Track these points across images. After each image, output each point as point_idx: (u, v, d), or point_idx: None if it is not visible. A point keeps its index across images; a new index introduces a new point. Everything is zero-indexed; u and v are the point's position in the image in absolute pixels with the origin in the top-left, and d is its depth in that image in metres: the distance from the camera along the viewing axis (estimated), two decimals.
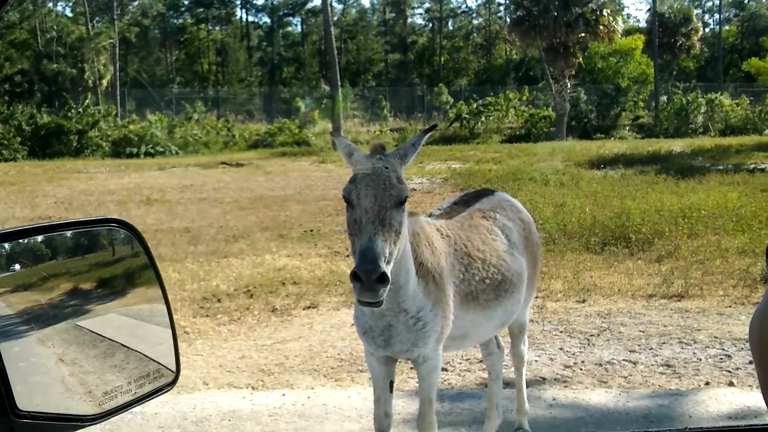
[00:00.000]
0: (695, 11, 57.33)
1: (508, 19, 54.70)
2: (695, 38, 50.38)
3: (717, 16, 69.92)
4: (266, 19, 69.78)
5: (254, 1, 70.10)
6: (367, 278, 3.10)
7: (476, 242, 4.25)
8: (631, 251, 10.84)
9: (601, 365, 6.47)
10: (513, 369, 5.15)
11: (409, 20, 70.51)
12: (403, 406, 5.58)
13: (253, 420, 5.55)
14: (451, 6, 71.53)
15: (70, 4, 58.36)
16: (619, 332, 7.36)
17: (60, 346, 1.86)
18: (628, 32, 49.28)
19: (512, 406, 5.22)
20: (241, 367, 6.76)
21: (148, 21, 61.50)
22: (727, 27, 68.21)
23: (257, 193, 18.74)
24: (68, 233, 1.93)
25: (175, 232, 13.70)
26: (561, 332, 7.44)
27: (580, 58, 41.23)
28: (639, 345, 6.96)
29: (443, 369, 6.46)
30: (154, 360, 1.98)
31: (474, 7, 72.99)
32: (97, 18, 55.83)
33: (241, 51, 63.81)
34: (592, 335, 7.31)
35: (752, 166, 21.62)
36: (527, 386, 5.89)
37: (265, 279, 9.86)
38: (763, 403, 0.73)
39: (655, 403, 5.57)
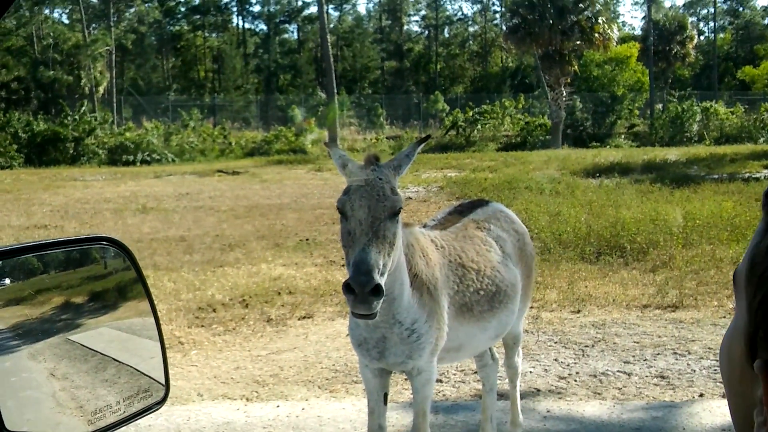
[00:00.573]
0: (690, 19, 57.58)
1: (503, 27, 54.77)
2: (690, 46, 50.61)
3: (712, 24, 70.28)
4: (263, 26, 70.05)
5: (251, 8, 70.22)
6: (361, 290, 3.09)
7: (471, 253, 4.24)
8: (626, 261, 10.84)
9: (595, 376, 6.47)
10: (507, 381, 5.14)
11: (405, 27, 70.77)
12: (397, 418, 5.57)
13: None
14: (447, 13, 71.86)
15: (67, 11, 58.49)
16: (614, 343, 7.35)
17: (51, 360, 1.85)
18: (623, 40, 49.51)
19: (506, 418, 5.21)
20: (236, 378, 6.74)
21: (144, 28, 61.55)
22: (721, 35, 68.57)
23: (253, 202, 18.73)
24: (58, 252, 1.93)
25: (171, 240, 13.68)
26: (556, 343, 7.43)
27: (576, 66, 41.39)
28: (633, 356, 6.96)
29: (438, 380, 6.46)
30: (145, 374, 1.98)
31: (470, 14, 73.34)
32: (94, 25, 55.95)
33: (238, 58, 63.90)
34: (586, 346, 7.30)
35: (747, 175, 21.66)
36: (522, 398, 5.88)
37: (260, 288, 9.85)
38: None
39: (649, 415, 5.56)
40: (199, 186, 23.05)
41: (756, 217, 12.57)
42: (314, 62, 62.07)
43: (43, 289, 1.94)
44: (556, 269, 10.40)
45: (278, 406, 5.99)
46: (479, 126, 40.51)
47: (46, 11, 55.44)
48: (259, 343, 7.78)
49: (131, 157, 34.06)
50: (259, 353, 7.44)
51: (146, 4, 61.67)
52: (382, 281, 3.18)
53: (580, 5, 39.46)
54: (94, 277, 2.07)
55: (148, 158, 34.26)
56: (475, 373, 6.53)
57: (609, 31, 39.59)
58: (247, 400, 6.21)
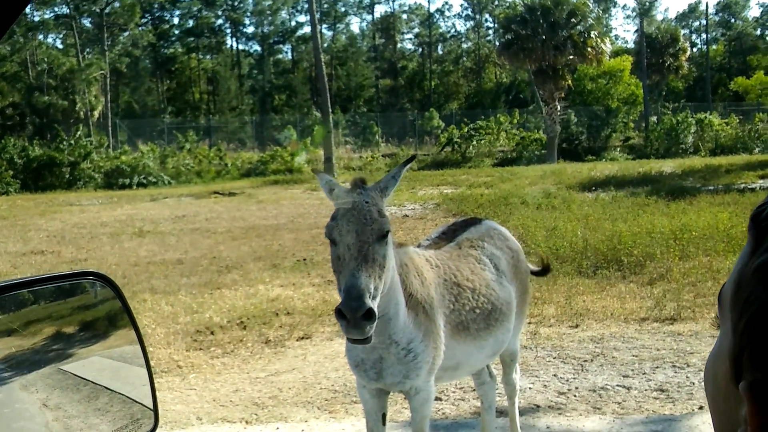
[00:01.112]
0: (682, 31, 57.84)
1: (497, 43, 55.01)
2: (683, 58, 50.84)
3: (704, 35, 70.63)
4: (257, 47, 70.30)
5: (244, 30, 70.45)
6: (353, 316, 3.10)
7: (465, 272, 4.26)
8: (623, 274, 10.84)
9: (594, 391, 6.45)
10: (506, 398, 5.14)
11: (399, 45, 71.10)
12: None
13: None
14: (441, 30, 72.13)
15: (61, 36, 58.68)
16: (613, 357, 7.34)
17: (44, 391, 1.86)
18: (616, 53, 49.70)
19: None
20: (235, 400, 6.71)
21: (138, 51, 61.78)
22: (714, 46, 68.91)
23: (250, 223, 18.72)
24: (46, 287, 1.94)
25: (168, 263, 13.67)
26: (555, 358, 7.42)
27: (570, 81, 41.54)
28: (632, 370, 6.94)
29: (437, 398, 6.44)
30: (137, 402, 1.98)
31: (463, 31, 73.63)
32: (88, 49, 56.12)
33: (232, 79, 64.11)
34: (585, 360, 7.29)
35: (742, 185, 21.72)
36: (521, 414, 5.87)
37: (258, 310, 9.83)
38: None
39: (648, 429, 5.54)
40: (195, 208, 23.05)
41: None
42: (309, 82, 62.28)
43: (33, 320, 1.94)
44: (554, 284, 10.39)
45: (278, 428, 5.97)
46: (474, 142, 40.62)
47: (40, 37, 55.67)
48: (257, 365, 7.76)
49: (127, 181, 34.09)
50: (258, 375, 7.41)
51: (140, 28, 61.92)
52: (374, 305, 3.18)
53: (572, 20, 39.67)
54: (84, 306, 2.08)
55: (145, 181, 34.29)
56: (475, 390, 6.52)
57: (601, 45, 39.77)
58: (247, 422, 6.19)
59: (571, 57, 39.76)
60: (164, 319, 9.48)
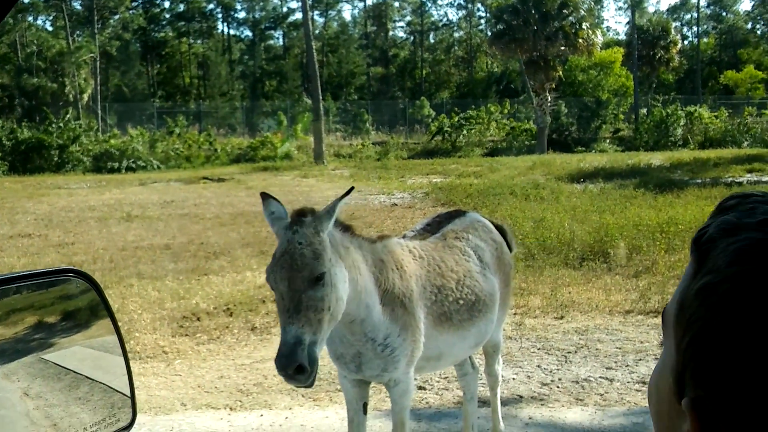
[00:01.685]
0: (674, 24, 57.86)
1: (488, 33, 54.99)
2: (674, 51, 50.88)
3: (695, 28, 70.74)
4: (248, 33, 70.04)
5: (236, 15, 70.15)
6: (284, 373, 3.19)
7: (450, 263, 4.29)
8: (609, 266, 10.89)
9: (577, 383, 6.50)
10: (488, 389, 5.17)
11: (391, 33, 70.92)
12: (380, 426, 5.58)
13: None
14: (433, 19, 72.01)
15: (51, 18, 58.26)
16: (597, 349, 7.39)
17: (25, 380, 1.86)
18: (607, 45, 49.77)
19: (488, 425, 5.23)
20: (220, 387, 6.73)
21: (129, 35, 61.42)
22: (705, 39, 69.03)
23: (239, 209, 18.69)
24: (26, 284, 1.94)
25: (156, 249, 13.65)
26: (539, 349, 7.46)
27: (561, 71, 41.56)
28: (616, 362, 6.99)
29: (421, 387, 6.48)
30: (118, 391, 1.99)
31: (455, 20, 73.44)
32: (78, 32, 55.78)
33: (223, 64, 63.81)
34: (569, 352, 7.34)
35: (730, 179, 21.82)
36: (504, 404, 5.91)
37: (245, 297, 9.83)
38: None
39: (630, 421, 5.60)
40: (184, 193, 23.00)
41: None
42: (300, 68, 62.08)
43: (15, 309, 1.94)
44: (540, 275, 10.44)
45: (262, 415, 6.00)
46: (465, 131, 40.61)
47: (30, 18, 55.26)
48: (243, 352, 7.78)
49: (116, 165, 33.95)
50: (244, 362, 7.43)
51: (130, 11, 61.59)
52: (314, 351, 3.24)
53: (564, 11, 39.67)
54: (65, 296, 2.08)
55: (133, 165, 34.16)
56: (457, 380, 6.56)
57: (593, 36, 39.82)
58: (231, 409, 6.21)
59: (563, 48, 39.80)
60: (151, 305, 9.49)
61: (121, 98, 55.89)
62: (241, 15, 70.84)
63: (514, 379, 6.64)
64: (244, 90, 63.19)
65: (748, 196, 0.85)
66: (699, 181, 21.24)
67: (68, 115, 37.72)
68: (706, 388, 0.76)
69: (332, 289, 3.39)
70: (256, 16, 68.41)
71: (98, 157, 34.85)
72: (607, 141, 42.16)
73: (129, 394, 1.96)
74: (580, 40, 39.23)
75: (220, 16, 69.30)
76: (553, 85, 40.68)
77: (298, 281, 3.30)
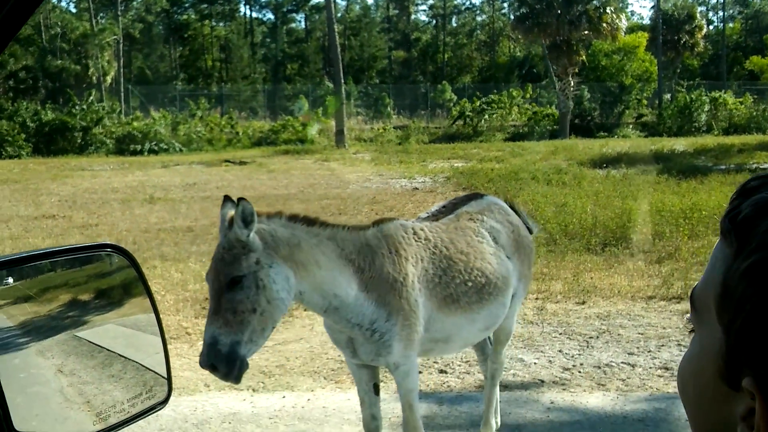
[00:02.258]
0: (699, 8, 57.21)
1: (511, 17, 54.57)
2: (699, 36, 50.28)
3: (721, 13, 69.89)
4: (270, 16, 69.91)
5: None
6: (203, 366, 3.44)
7: (460, 245, 4.26)
8: (632, 252, 10.85)
9: (599, 368, 6.50)
10: (488, 376, 4.99)
11: (413, 17, 70.57)
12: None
13: (254, 422, 5.59)
14: (455, 3, 71.54)
15: (74, 0, 58.45)
16: (618, 334, 7.38)
17: (59, 357, 1.89)
18: (631, 30, 49.28)
19: (510, 409, 5.25)
20: None
21: (152, 17, 61.52)
22: (731, 24, 68.18)
23: (260, 192, 18.74)
24: (65, 259, 1.97)
25: (178, 231, 13.74)
26: (560, 334, 7.47)
27: (584, 56, 41.23)
28: (638, 347, 6.98)
29: (442, 371, 6.51)
30: (150, 369, 2.01)
31: (478, 3, 73.06)
32: (101, 14, 55.92)
33: (245, 47, 63.83)
34: (591, 337, 7.33)
35: (754, 165, 21.61)
36: (525, 389, 5.94)
37: None
38: None
39: (652, 407, 5.60)
40: (206, 176, 23.09)
41: None
42: (321, 52, 61.96)
43: (50, 287, 1.97)
44: (562, 260, 10.42)
45: (284, 397, 6.05)
46: (486, 116, 40.42)
47: (54, 0, 55.50)
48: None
49: (139, 147, 34.12)
50: (266, 344, 7.47)
51: None
52: (238, 350, 3.43)
53: None
54: (99, 275, 2.11)
55: (156, 148, 34.32)
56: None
57: (617, 20, 39.43)
58: (254, 390, 6.27)
59: (586, 32, 39.46)
60: (174, 286, 9.56)
61: (144, 81, 56.08)
62: None
63: (535, 363, 6.65)
64: (266, 73, 63.18)
65: None
66: (723, 167, 21.06)
67: (91, 97, 37.90)
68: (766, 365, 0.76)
69: (259, 291, 3.51)
70: None
71: (121, 140, 35.03)
72: (630, 126, 41.81)
73: (164, 372, 1.99)
74: (604, 25, 38.86)
75: None
76: (576, 70, 40.38)
77: (217, 284, 3.53)
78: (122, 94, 46.27)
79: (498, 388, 5.02)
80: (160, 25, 63.88)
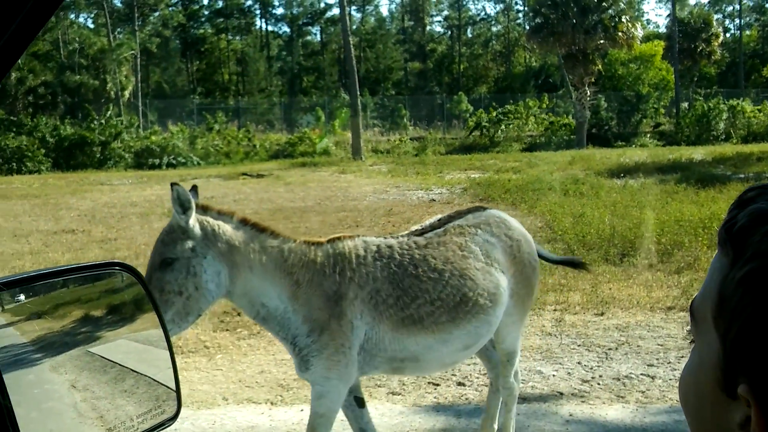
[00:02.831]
0: (715, 16, 57.00)
1: (527, 27, 54.62)
2: (716, 44, 50.09)
3: (737, 20, 69.56)
4: (286, 29, 70.30)
5: (274, 11, 70.54)
6: None
7: (436, 261, 4.16)
8: (650, 263, 10.77)
9: (619, 380, 6.44)
10: (503, 404, 4.83)
11: (428, 28, 70.75)
12: (420, 421, 5.58)
13: None
14: (470, 13, 71.74)
15: (92, 15, 59.02)
16: (638, 346, 7.32)
17: (72, 372, 1.89)
18: (647, 38, 49.15)
19: (529, 421, 5.20)
20: (260, 382, 6.78)
21: (168, 32, 62.00)
22: (747, 32, 67.88)
23: (277, 204, 18.79)
24: (73, 278, 1.98)
25: None
26: (579, 346, 7.41)
27: (600, 65, 41.13)
28: (657, 359, 6.92)
29: (460, 384, 6.47)
30: (162, 384, 2.02)
31: (493, 14, 73.10)
32: (119, 29, 56.39)
33: (261, 61, 64.17)
34: (610, 349, 7.27)
35: None
36: (544, 401, 5.89)
37: None
38: None
39: (672, 419, 5.53)
40: (224, 189, 23.18)
41: None
42: (337, 64, 62.20)
43: (62, 303, 1.97)
44: (579, 271, 10.34)
45: (302, 410, 6.03)
46: (503, 126, 40.40)
47: (72, 16, 56.01)
48: (283, 347, 7.81)
49: (157, 161, 34.33)
50: (284, 357, 7.47)
51: (170, 8, 62.15)
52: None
53: (603, 4, 39.25)
54: (111, 291, 2.12)
55: (174, 161, 34.52)
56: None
57: (633, 29, 39.32)
58: (272, 404, 6.26)
59: (602, 41, 39.37)
60: None
61: (162, 95, 56.47)
62: (279, 11, 71.33)
63: (554, 375, 6.60)
64: (282, 86, 63.48)
65: (767, 187, 0.87)
66: (742, 176, 20.91)
67: (110, 112, 38.20)
68: (763, 373, 0.78)
69: (188, 277, 3.68)
70: (294, 12, 68.65)
71: (139, 154, 35.26)
72: (648, 136, 41.67)
73: (174, 387, 1.99)
74: (620, 34, 38.77)
75: (258, 12, 69.72)
76: (593, 79, 40.28)
77: (151, 262, 3.77)
78: (140, 109, 46.61)
79: (514, 411, 4.86)
80: (176, 39, 64.35)
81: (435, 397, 6.23)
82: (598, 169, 23.91)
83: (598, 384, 6.37)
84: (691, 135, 39.84)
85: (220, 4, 66.88)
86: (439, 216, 4.69)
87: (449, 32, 71.13)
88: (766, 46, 66.08)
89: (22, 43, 0.90)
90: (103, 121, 36.19)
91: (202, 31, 66.78)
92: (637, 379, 6.43)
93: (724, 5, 71.27)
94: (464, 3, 70.90)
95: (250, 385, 6.71)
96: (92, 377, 1.92)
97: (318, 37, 70.79)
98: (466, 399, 6.21)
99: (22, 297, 1.82)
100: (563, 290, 9.39)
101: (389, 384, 6.51)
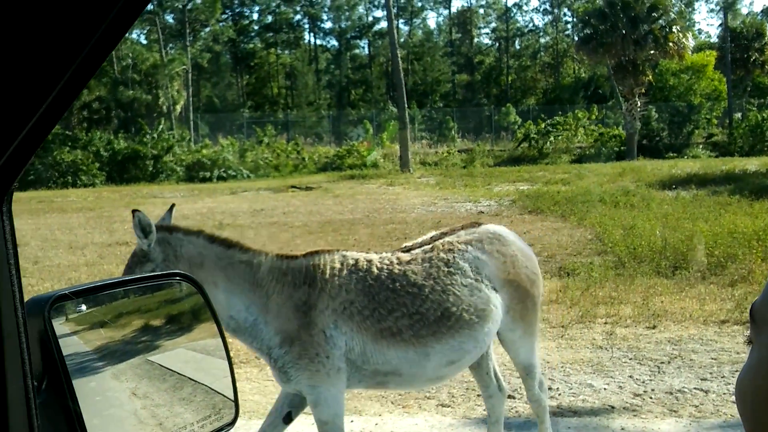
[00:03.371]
0: None
1: (575, 38, 54.24)
2: None
3: None
4: (334, 42, 70.72)
5: (322, 25, 71.02)
6: None
7: (416, 276, 4.19)
8: (703, 275, 10.61)
9: (671, 394, 6.36)
10: (537, 419, 4.88)
11: (476, 40, 70.65)
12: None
13: None
14: (518, 25, 71.42)
15: (144, 31, 60.02)
16: (691, 359, 7.22)
17: (132, 380, 1.94)
18: (699, 48, 48.50)
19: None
20: None
21: (219, 47, 62.77)
22: None
23: (326, 217, 18.91)
24: (137, 287, 2.05)
25: None
26: (630, 359, 7.33)
27: (650, 76, 40.64)
28: (711, 373, 6.82)
29: (510, 397, 6.44)
30: (219, 393, 2.06)
31: (541, 25, 72.69)
32: (171, 45, 57.31)
33: (310, 74, 64.63)
34: (662, 362, 7.19)
35: None
36: (595, 415, 5.84)
37: None
38: None
39: None
40: (273, 202, 23.39)
41: None
42: (385, 77, 62.39)
43: (123, 313, 2.04)
44: (631, 284, 10.25)
45: (352, 421, 6.06)
46: (552, 138, 40.12)
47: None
48: None
49: (208, 174, 34.79)
50: None
51: (220, 23, 62.96)
52: None
53: (654, 14, 38.81)
54: (169, 301, 2.18)
55: (224, 174, 34.94)
56: (548, 389, 6.49)
57: (684, 39, 38.81)
58: None
59: (652, 52, 38.93)
60: None
61: (212, 109, 57.20)
62: (328, 25, 71.73)
63: (605, 389, 6.55)
64: (331, 99, 63.85)
65: None
66: None
67: (162, 126, 38.84)
68: None
69: None
70: (342, 26, 69.11)
71: (190, 167, 35.77)
72: (700, 146, 41.04)
73: (231, 394, 2.03)
74: (671, 44, 38.30)
75: (306, 26, 70.31)
76: (643, 90, 39.82)
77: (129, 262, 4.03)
78: (191, 123, 47.28)
79: (548, 423, 4.84)
80: (227, 54, 65.13)
81: (485, 410, 6.19)
82: (649, 181, 23.63)
83: (651, 398, 6.30)
84: (744, 145, 39.14)
85: (270, 18, 67.64)
86: (433, 233, 4.68)
87: (497, 44, 70.95)
88: None
89: (99, 59, 0.95)
90: (155, 135, 36.81)
91: (251, 45, 67.52)
92: (690, 393, 6.34)
93: None
94: (512, 15, 70.70)
95: None
96: (152, 385, 1.98)
97: (366, 51, 71.16)
98: (516, 412, 6.19)
99: (83, 307, 1.89)
100: (614, 303, 9.31)
101: (438, 396, 6.51)
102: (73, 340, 1.89)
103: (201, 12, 57.69)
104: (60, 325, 1.66)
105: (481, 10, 71.06)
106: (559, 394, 6.46)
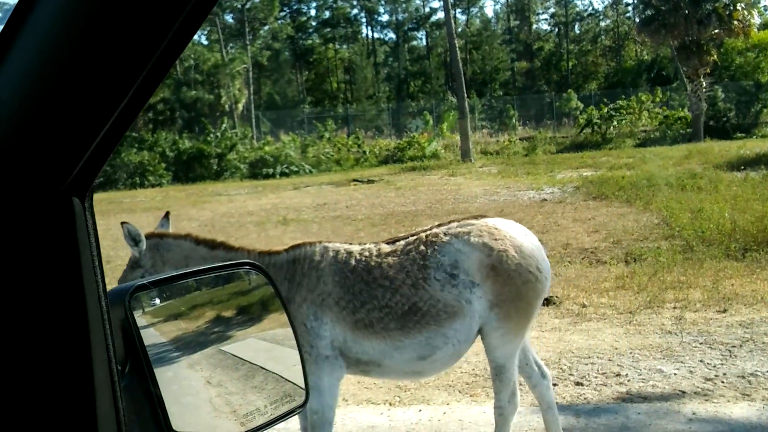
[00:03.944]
0: None
1: (636, 20, 53.23)
2: None
3: None
4: (391, 35, 70.81)
5: (379, 18, 71.12)
6: None
7: (390, 270, 4.19)
8: None
9: (743, 377, 6.26)
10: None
11: (534, 26, 69.94)
12: (538, 421, 5.58)
13: None
14: (577, 9, 70.51)
15: (205, 32, 60.85)
16: (763, 343, 7.08)
17: (207, 369, 2.01)
18: (765, 25, 47.15)
19: (651, 420, 5.11)
20: (378, 383, 6.90)
21: (278, 44, 63.33)
22: None
23: (389, 209, 18.97)
24: (209, 276, 2.13)
25: None
26: (701, 344, 7.23)
27: (715, 56, 39.66)
28: None
29: (578, 383, 6.42)
30: (289, 381, 2.13)
31: (601, 9, 71.65)
32: (231, 44, 58.01)
33: (368, 68, 64.82)
34: (734, 346, 7.07)
35: None
36: (666, 400, 5.78)
37: None
38: None
39: None
40: (335, 196, 23.55)
41: None
42: (443, 67, 62.23)
43: (197, 305, 2.12)
44: (700, 268, 10.08)
45: (420, 410, 6.11)
46: (615, 122, 39.49)
47: None
48: None
49: (271, 170, 35.17)
50: None
51: (279, 21, 63.51)
52: None
53: None
54: (240, 292, 2.25)
55: (287, 170, 35.29)
56: (617, 375, 6.45)
57: (749, 17, 37.76)
58: (390, 404, 6.36)
59: (716, 31, 37.96)
60: None
61: (273, 106, 57.81)
62: (385, 18, 71.79)
63: (675, 374, 6.47)
64: (390, 92, 63.93)
65: None
66: None
67: (225, 125, 39.41)
68: None
69: None
70: (399, 18, 69.15)
71: (254, 164, 36.22)
72: None
73: (300, 382, 2.10)
74: (735, 22, 37.32)
75: (364, 20, 70.55)
76: (708, 70, 38.89)
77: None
78: (253, 120, 47.84)
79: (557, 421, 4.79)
80: (286, 51, 65.69)
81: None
82: (716, 163, 23.13)
83: (722, 382, 6.21)
84: None
85: (327, 14, 68.05)
86: (432, 224, 4.60)
87: (556, 29, 70.14)
88: None
89: (167, 64, 1.01)
90: (218, 134, 37.38)
91: (310, 41, 68.01)
92: (763, 377, 6.23)
93: None
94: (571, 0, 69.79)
95: (369, 387, 6.83)
96: (225, 374, 2.05)
97: (424, 42, 71.06)
98: (585, 399, 6.16)
99: (157, 301, 1.97)
100: (682, 287, 9.17)
101: None
102: (150, 331, 1.98)
103: (259, 11, 58.26)
104: (138, 318, 1.74)
105: None
106: (629, 380, 6.41)
